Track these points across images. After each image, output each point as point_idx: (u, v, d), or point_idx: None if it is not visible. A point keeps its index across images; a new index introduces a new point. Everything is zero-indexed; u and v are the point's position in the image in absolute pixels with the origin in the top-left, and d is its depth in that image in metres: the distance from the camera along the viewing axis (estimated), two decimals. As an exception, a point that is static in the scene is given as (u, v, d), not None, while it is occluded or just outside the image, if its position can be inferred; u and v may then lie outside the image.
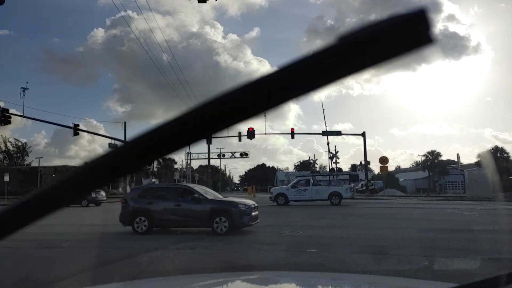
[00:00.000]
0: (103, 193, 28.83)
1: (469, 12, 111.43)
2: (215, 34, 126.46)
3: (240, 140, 40.69)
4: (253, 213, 11.21)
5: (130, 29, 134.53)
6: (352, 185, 26.65)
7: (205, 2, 15.24)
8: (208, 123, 0.41)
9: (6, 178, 32.72)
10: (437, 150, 60.13)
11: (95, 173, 0.44)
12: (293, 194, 24.56)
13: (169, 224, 11.43)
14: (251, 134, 38.21)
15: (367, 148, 41.52)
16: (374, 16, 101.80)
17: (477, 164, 49.62)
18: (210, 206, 11.03)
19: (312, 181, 25.53)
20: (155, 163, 60.46)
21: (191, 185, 13.71)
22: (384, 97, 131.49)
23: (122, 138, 41.91)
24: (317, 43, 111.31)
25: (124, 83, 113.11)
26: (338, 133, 44.30)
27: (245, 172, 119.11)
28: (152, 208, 11.23)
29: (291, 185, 25.69)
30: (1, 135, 60.35)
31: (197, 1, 15.04)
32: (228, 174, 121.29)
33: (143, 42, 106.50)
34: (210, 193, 12.26)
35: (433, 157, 56.90)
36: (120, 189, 50.01)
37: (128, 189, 33.13)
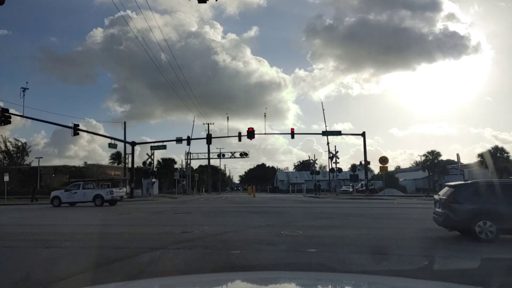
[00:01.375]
0: None
1: (469, 11, 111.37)
2: (214, 33, 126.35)
3: (240, 140, 40.76)
4: None
5: (129, 28, 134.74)
6: (112, 189, 28.35)
7: (205, 2, 15.22)
8: None
9: (6, 178, 32.66)
10: (437, 150, 60.00)
11: None
12: (66, 196, 27.13)
13: None
14: (251, 134, 38.20)
15: (367, 148, 41.54)
16: (373, 15, 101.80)
17: (477, 164, 49.65)
18: None
19: (82, 185, 27.81)
20: (155, 163, 60.38)
21: None
22: (384, 97, 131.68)
23: (122, 138, 41.88)
24: (316, 43, 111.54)
25: (123, 83, 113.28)
26: (338, 133, 44.32)
27: (245, 172, 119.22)
28: (501, 210, 8.99)
29: (65, 189, 28.24)
30: (1, 135, 60.45)
31: (197, 1, 15.00)
32: (228, 174, 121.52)
33: (142, 41, 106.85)
34: None
35: (433, 157, 56.79)
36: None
37: (128, 189, 33.02)
